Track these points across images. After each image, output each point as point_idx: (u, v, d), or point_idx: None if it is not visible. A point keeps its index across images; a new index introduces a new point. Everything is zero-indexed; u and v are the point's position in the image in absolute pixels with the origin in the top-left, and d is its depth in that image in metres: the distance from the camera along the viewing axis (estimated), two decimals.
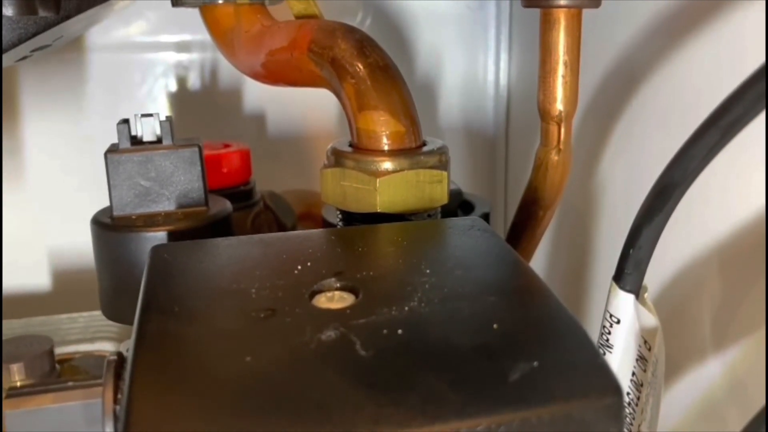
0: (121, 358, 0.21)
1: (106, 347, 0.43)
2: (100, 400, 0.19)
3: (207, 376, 0.17)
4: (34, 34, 0.30)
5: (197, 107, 0.58)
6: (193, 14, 0.44)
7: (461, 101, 0.63)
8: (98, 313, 0.35)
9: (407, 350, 0.18)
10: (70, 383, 0.28)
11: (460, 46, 0.62)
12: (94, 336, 0.44)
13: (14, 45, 0.30)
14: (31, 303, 0.57)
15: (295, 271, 0.23)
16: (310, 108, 0.59)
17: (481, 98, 0.63)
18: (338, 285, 0.22)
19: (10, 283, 0.56)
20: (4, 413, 0.27)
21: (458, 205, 0.45)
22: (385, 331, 0.19)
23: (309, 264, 0.23)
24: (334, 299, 0.21)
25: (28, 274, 0.57)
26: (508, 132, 0.62)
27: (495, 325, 0.19)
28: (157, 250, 0.24)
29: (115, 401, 0.19)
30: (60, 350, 0.41)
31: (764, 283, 0.29)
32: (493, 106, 0.63)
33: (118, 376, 0.20)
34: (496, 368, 0.17)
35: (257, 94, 0.58)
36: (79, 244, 0.55)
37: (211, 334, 0.19)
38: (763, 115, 0.19)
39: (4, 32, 0.29)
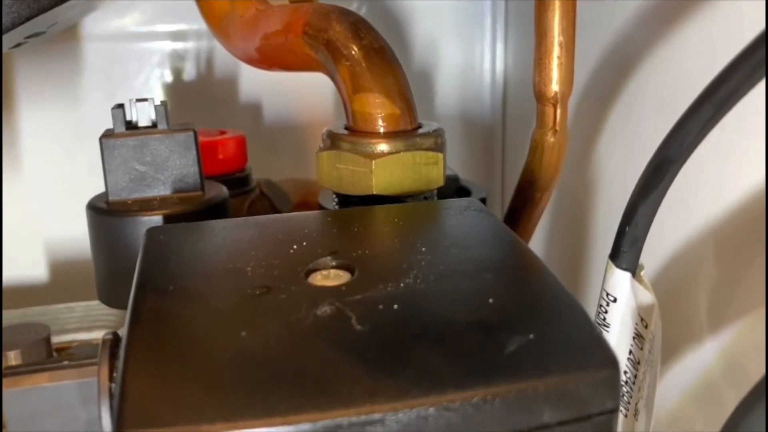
0: (116, 337, 0.21)
1: None
2: (96, 378, 0.19)
3: (202, 352, 0.17)
4: (28, 18, 0.30)
5: (193, 96, 0.58)
6: (187, 3, 0.44)
7: (458, 90, 0.63)
8: (96, 302, 0.35)
9: (403, 325, 0.18)
10: (66, 362, 0.28)
11: (457, 35, 0.62)
12: (92, 325, 0.44)
13: (8, 29, 0.30)
14: (29, 293, 0.57)
15: (291, 251, 0.23)
16: (307, 96, 0.59)
17: (477, 87, 0.63)
18: (334, 263, 0.22)
19: (8, 274, 0.56)
20: None
21: (455, 190, 0.45)
22: (380, 307, 0.19)
23: (305, 244, 0.23)
24: (329, 277, 0.21)
25: (25, 263, 0.57)
26: (505, 120, 0.62)
27: (491, 301, 0.19)
28: (152, 231, 0.24)
29: (111, 380, 0.19)
30: (57, 339, 0.41)
31: (762, 264, 0.29)
32: (490, 94, 0.62)
33: (113, 355, 0.20)
34: (492, 342, 0.17)
35: (253, 82, 0.58)
36: (76, 232, 0.55)
37: (206, 312, 0.19)
38: (755, 93, 0.19)
39: None
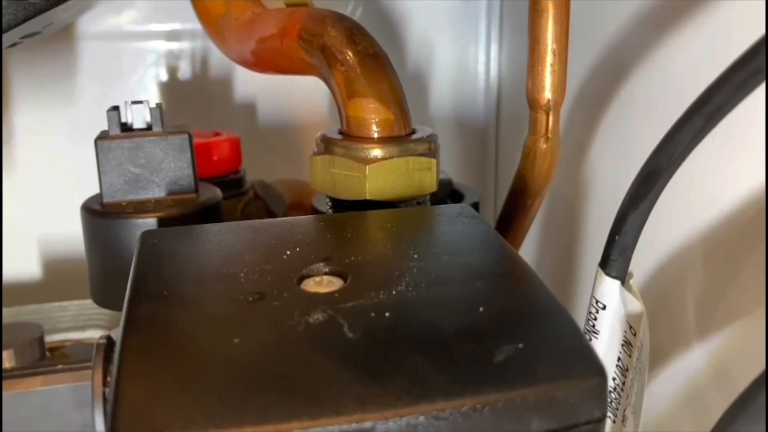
0: (110, 341, 0.21)
1: (97, 335, 0.43)
2: (89, 382, 0.20)
3: (195, 357, 0.17)
4: (24, 20, 0.30)
5: (188, 96, 0.58)
6: (183, 3, 0.44)
7: (452, 92, 0.63)
8: (89, 301, 0.35)
9: (394, 333, 0.18)
10: (60, 366, 0.28)
11: (451, 38, 0.62)
12: (85, 324, 0.44)
13: (4, 31, 0.30)
14: (22, 291, 0.57)
15: (284, 256, 0.23)
16: (301, 97, 0.59)
17: (471, 89, 0.63)
18: (326, 270, 0.22)
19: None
20: None
21: (448, 194, 0.45)
22: (372, 314, 0.19)
23: (298, 249, 0.23)
24: (322, 283, 0.21)
25: (18, 262, 0.57)
26: (499, 123, 0.62)
27: (481, 309, 0.19)
28: (146, 235, 0.25)
29: (105, 384, 0.20)
30: (51, 338, 0.41)
31: (750, 270, 0.29)
32: (484, 97, 0.63)
33: (107, 359, 0.20)
34: (482, 350, 0.18)
35: (248, 83, 0.58)
36: (69, 232, 0.55)
37: (200, 317, 0.19)
38: (744, 103, 0.19)
39: None
